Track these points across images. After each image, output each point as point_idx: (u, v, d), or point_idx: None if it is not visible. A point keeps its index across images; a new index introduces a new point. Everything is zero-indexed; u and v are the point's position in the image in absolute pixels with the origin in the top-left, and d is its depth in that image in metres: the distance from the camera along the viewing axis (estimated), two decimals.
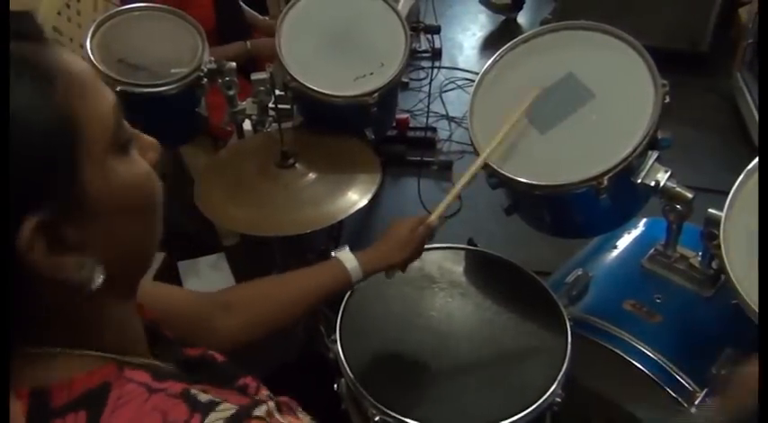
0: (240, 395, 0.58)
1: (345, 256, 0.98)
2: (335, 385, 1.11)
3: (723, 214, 0.98)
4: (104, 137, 0.48)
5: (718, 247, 0.96)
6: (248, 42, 2.00)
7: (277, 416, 0.50)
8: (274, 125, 1.56)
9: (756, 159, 1.00)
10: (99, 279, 0.49)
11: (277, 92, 1.54)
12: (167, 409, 0.48)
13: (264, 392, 0.62)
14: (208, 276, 2.11)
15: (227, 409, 0.49)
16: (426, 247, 1.25)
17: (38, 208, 0.44)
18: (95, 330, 0.53)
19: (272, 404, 0.51)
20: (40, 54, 0.46)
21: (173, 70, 1.49)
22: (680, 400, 1.05)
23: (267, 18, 2.31)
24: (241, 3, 2.20)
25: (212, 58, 1.55)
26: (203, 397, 0.50)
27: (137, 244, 0.54)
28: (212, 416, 0.48)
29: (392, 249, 1.01)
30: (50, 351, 0.50)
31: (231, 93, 1.58)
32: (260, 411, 0.49)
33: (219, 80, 1.56)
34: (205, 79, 1.53)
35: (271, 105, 1.58)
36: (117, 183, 0.49)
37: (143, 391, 0.50)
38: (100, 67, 1.43)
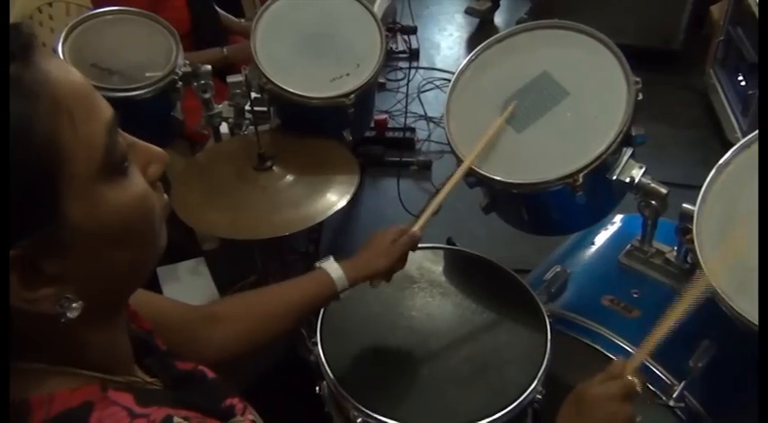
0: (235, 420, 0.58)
1: (330, 267, 0.97)
2: (317, 388, 1.11)
3: (696, 208, 0.99)
4: (92, 163, 0.45)
5: (692, 241, 0.97)
6: (225, 48, 1.99)
7: None
8: (251, 128, 1.56)
9: (728, 154, 1.01)
10: (76, 311, 0.46)
11: (253, 94, 1.53)
12: None
13: (250, 417, 0.61)
14: (187, 281, 2.09)
15: None
16: None
17: (15, 242, 0.41)
18: (78, 350, 0.51)
19: None
20: (26, 72, 0.42)
21: (147, 74, 1.47)
22: (658, 393, 1.06)
23: (243, 21, 2.29)
24: (215, 6, 2.19)
25: (187, 62, 1.54)
26: None
27: (124, 271, 0.51)
28: None
29: (376, 258, 1.00)
30: (31, 366, 0.49)
31: (207, 96, 1.57)
32: None
33: (195, 83, 1.55)
34: (180, 83, 1.52)
35: (247, 108, 1.57)
36: (105, 212, 0.46)
37: (125, 416, 0.48)
38: None
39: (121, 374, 0.53)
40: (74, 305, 0.46)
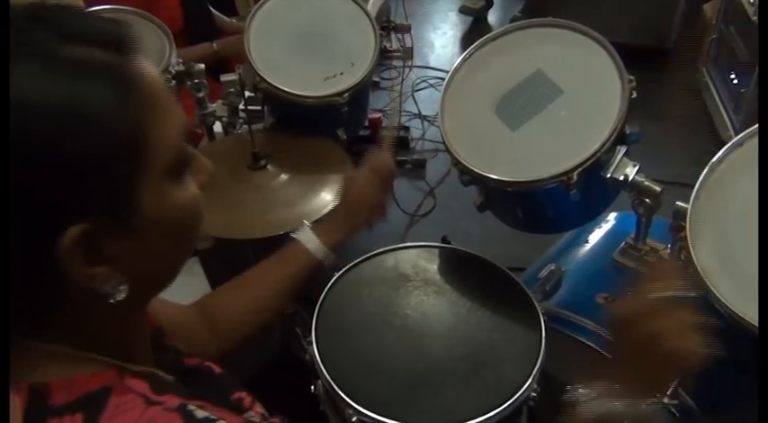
0: (235, 414, 0.58)
1: (305, 237, 0.96)
2: (312, 387, 1.11)
3: (689, 206, 1.00)
4: (168, 158, 0.49)
5: (685, 238, 0.98)
6: (214, 43, 1.98)
7: None
8: (245, 127, 1.55)
9: (720, 152, 1.02)
10: (122, 294, 0.49)
11: (247, 93, 1.53)
12: (164, 421, 0.48)
13: (259, 410, 0.62)
14: (181, 281, 2.07)
15: None
16: (400, 245, 1.26)
17: (87, 218, 0.44)
18: (104, 336, 0.53)
19: None
20: (127, 67, 0.46)
21: None
22: None
23: (234, 20, 2.29)
24: (208, 5, 2.18)
25: (180, 60, 1.54)
26: (200, 413, 0.50)
27: (166, 265, 0.55)
28: None
29: (351, 212, 0.99)
30: (56, 349, 0.50)
31: (200, 95, 1.57)
32: None
33: (188, 82, 1.54)
34: (173, 82, 1.51)
35: (241, 107, 1.57)
36: (168, 207, 0.50)
37: (141, 402, 0.49)
38: None
39: (139, 365, 0.55)
40: (121, 287, 0.49)
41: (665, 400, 1.05)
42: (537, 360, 1.01)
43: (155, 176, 0.48)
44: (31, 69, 0.42)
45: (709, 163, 1.02)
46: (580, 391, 0.70)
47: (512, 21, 3.29)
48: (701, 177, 1.02)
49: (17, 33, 0.43)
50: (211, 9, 2.20)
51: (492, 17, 3.81)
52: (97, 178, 0.44)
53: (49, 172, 0.42)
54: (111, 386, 0.50)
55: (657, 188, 1.12)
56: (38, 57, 0.43)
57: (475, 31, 3.70)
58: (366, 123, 2.55)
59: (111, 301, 0.49)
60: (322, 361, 1.04)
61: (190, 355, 0.66)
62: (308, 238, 0.95)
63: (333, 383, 1.00)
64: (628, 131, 1.11)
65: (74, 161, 0.43)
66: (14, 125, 0.41)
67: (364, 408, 0.96)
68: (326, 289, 1.16)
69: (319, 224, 0.97)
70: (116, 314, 0.52)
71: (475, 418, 0.94)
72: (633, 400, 0.68)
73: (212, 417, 0.50)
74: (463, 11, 3.74)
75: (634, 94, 1.09)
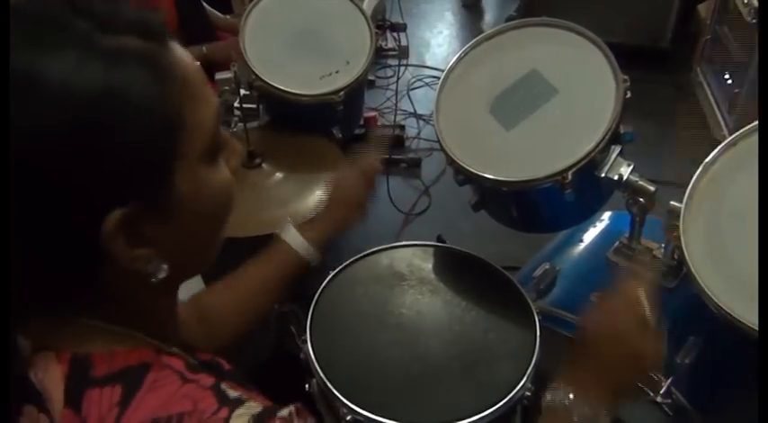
0: (263, 397, 0.59)
1: (291, 238, 0.96)
2: (307, 386, 1.11)
3: (682, 206, 1.00)
4: (203, 143, 0.50)
5: (679, 238, 0.98)
6: (204, 47, 1.98)
7: (296, 421, 0.52)
8: (240, 125, 1.55)
9: (714, 152, 1.02)
10: (163, 273, 0.51)
11: (242, 91, 1.53)
12: (198, 398, 0.50)
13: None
14: None
15: (254, 407, 0.50)
16: (395, 244, 1.26)
17: (128, 202, 0.46)
18: (143, 316, 0.55)
19: (292, 408, 0.53)
20: (164, 54, 0.48)
21: None
22: (645, 389, 1.07)
23: (229, 17, 2.28)
24: (203, 2, 2.18)
25: None
26: (232, 393, 0.51)
27: (203, 248, 0.56)
28: (239, 411, 0.49)
29: (336, 210, 1.00)
30: (97, 324, 0.52)
31: None
32: (284, 413, 0.51)
33: None
34: None
35: (236, 105, 1.57)
36: (204, 190, 0.51)
37: (177, 379, 0.51)
38: None
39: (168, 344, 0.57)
40: (163, 266, 0.51)
41: (659, 399, 1.05)
42: (531, 359, 1.02)
43: (192, 161, 0.49)
44: (72, 59, 0.43)
45: (703, 162, 1.03)
46: (551, 395, 0.73)
47: (507, 20, 3.30)
48: (694, 177, 1.02)
49: (56, 23, 0.44)
50: (206, 6, 2.20)
51: (487, 16, 3.82)
52: (137, 164, 0.46)
53: (91, 159, 0.44)
54: (149, 362, 0.51)
55: (651, 188, 1.13)
56: (78, 46, 0.44)
57: (470, 30, 3.71)
58: (361, 122, 2.56)
59: (153, 280, 0.51)
60: (317, 359, 1.04)
61: (200, 349, 0.66)
62: (293, 236, 0.95)
63: (327, 382, 1.00)
64: (622, 131, 1.11)
65: (115, 148, 0.44)
66: (57, 113, 0.42)
67: (359, 406, 0.96)
68: (321, 287, 1.16)
69: (304, 222, 0.97)
70: (154, 294, 0.54)
71: (469, 416, 0.94)
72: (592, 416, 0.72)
73: (243, 397, 0.51)
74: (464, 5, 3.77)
75: (628, 94, 1.09)
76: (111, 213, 0.46)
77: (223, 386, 0.52)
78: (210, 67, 1.82)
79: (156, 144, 0.47)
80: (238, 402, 0.50)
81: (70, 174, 0.44)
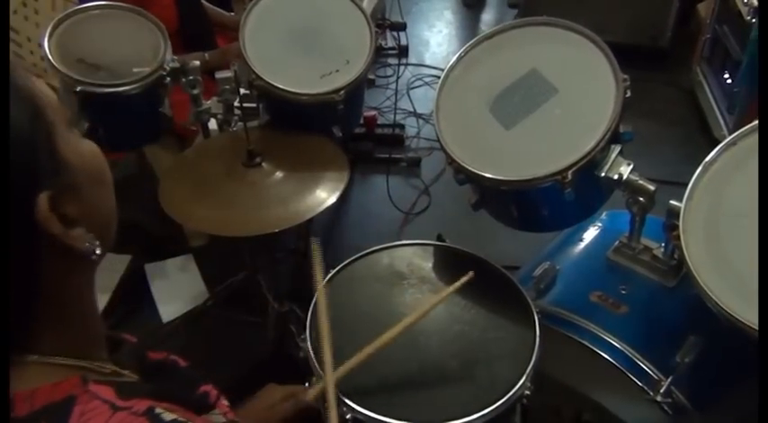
0: (202, 415, 0.59)
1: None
2: (306, 384, 1.11)
3: (682, 205, 1.00)
4: (61, 114, 0.54)
5: (678, 237, 0.98)
6: (206, 54, 1.98)
7: None
8: (240, 124, 1.55)
9: (713, 152, 1.02)
10: (98, 249, 0.54)
11: (242, 90, 1.53)
12: None
13: (224, 403, 0.62)
14: (176, 278, 2.08)
15: None
16: (395, 243, 1.26)
17: (44, 183, 0.50)
18: (74, 320, 0.55)
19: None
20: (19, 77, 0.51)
21: (134, 70, 1.46)
22: (645, 388, 1.07)
23: (232, 14, 2.28)
24: (204, 1, 2.18)
25: (175, 58, 1.53)
26: (168, 417, 0.50)
27: (109, 217, 0.59)
28: None
29: (257, 414, 0.97)
30: (19, 359, 0.51)
31: (195, 92, 1.56)
32: None
33: (183, 79, 1.54)
34: (168, 78, 1.51)
35: (236, 104, 1.57)
36: (82, 153, 0.55)
37: (107, 409, 0.49)
38: (59, 67, 1.40)
39: (99, 360, 0.56)
40: (96, 243, 0.54)
41: (659, 398, 1.05)
42: (531, 358, 1.02)
43: (61, 131, 0.53)
44: None
45: (703, 162, 1.03)
46: None
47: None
48: (694, 176, 1.02)
49: None
50: (209, 5, 2.20)
51: (487, 15, 3.82)
52: (32, 151, 0.50)
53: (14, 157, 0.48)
54: (74, 394, 0.50)
55: (651, 187, 1.13)
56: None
57: (470, 29, 3.71)
58: (361, 121, 2.56)
59: (94, 257, 0.54)
60: (316, 358, 1.04)
61: (153, 348, 0.66)
62: None
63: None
64: (622, 130, 1.11)
65: (20, 146, 0.49)
66: None
67: (358, 405, 0.96)
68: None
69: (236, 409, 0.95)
70: (83, 285, 0.57)
71: (469, 415, 0.94)
72: None
73: (180, 419, 0.50)
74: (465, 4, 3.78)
75: (628, 94, 1.09)
76: (38, 198, 0.49)
77: (158, 410, 0.51)
78: (212, 72, 1.82)
79: (36, 131, 0.51)
80: None
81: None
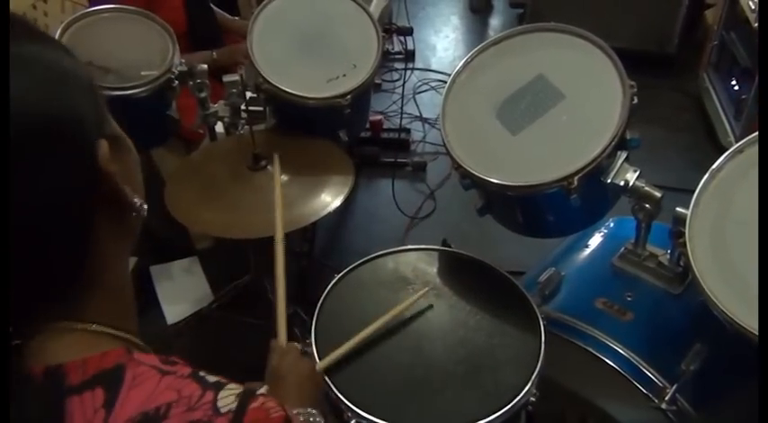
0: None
1: None
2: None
3: (689, 212, 1.00)
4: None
5: (684, 244, 0.98)
6: (214, 52, 1.99)
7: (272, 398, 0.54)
8: (247, 127, 1.56)
9: (720, 159, 1.02)
10: (144, 206, 0.57)
11: (249, 94, 1.53)
12: (181, 387, 0.51)
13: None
14: (181, 280, 2.09)
15: (236, 387, 0.53)
16: (400, 248, 1.26)
17: (103, 129, 0.53)
18: (110, 291, 0.57)
19: (266, 386, 0.55)
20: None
21: (143, 73, 1.47)
22: (650, 395, 1.07)
23: (238, 19, 2.29)
24: (212, 5, 2.18)
25: (183, 61, 1.54)
26: (211, 378, 0.53)
27: (141, 185, 0.60)
28: (223, 392, 0.51)
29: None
30: (66, 326, 0.53)
31: (202, 95, 1.57)
32: (263, 390, 0.54)
33: (190, 82, 1.55)
34: (176, 82, 1.52)
35: (243, 108, 1.57)
36: (113, 123, 0.57)
37: (155, 373, 0.52)
38: None
39: (133, 333, 0.58)
40: (140, 201, 0.57)
41: (664, 406, 1.05)
42: (536, 364, 1.02)
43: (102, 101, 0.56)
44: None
45: (710, 169, 1.02)
46: None
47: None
48: (701, 183, 1.02)
49: None
50: (216, 9, 2.20)
51: (494, 20, 3.82)
52: (94, 102, 0.53)
53: (76, 105, 0.51)
54: (123, 362, 0.52)
55: (658, 194, 1.13)
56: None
57: (477, 34, 3.71)
58: (367, 125, 2.56)
59: (143, 213, 0.57)
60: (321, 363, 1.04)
61: (157, 351, 0.67)
62: None
63: (332, 386, 1.00)
64: (628, 137, 1.11)
65: (83, 92, 0.52)
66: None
67: (363, 410, 0.96)
68: (326, 291, 1.17)
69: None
70: (123, 254, 0.59)
71: (474, 421, 0.94)
72: None
73: (222, 381, 0.53)
74: (472, 10, 3.79)
75: (635, 100, 1.09)
76: (100, 142, 0.52)
77: (201, 373, 0.54)
78: (218, 70, 1.83)
79: (92, 87, 0.54)
80: (220, 385, 0.52)
81: (61, 110, 0.50)
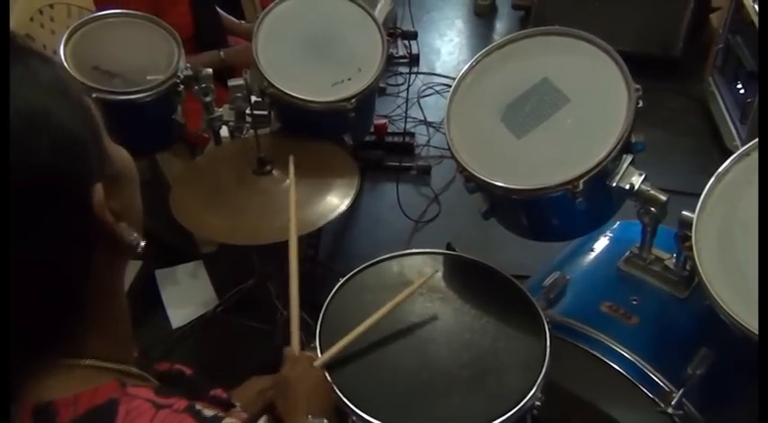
0: (234, 411, 0.60)
1: None
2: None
3: (695, 216, 1.00)
4: (99, 116, 0.55)
5: (691, 248, 0.97)
6: (221, 52, 1.99)
7: None
8: (251, 131, 1.56)
9: (726, 162, 1.02)
10: (141, 242, 0.55)
11: (254, 98, 1.54)
12: (176, 422, 0.50)
13: (237, 403, 0.62)
14: (186, 284, 2.09)
15: (234, 421, 0.51)
16: (405, 252, 1.26)
17: (97, 174, 0.51)
18: (106, 325, 0.55)
19: (265, 417, 0.55)
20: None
21: (148, 77, 1.48)
22: (656, 400, 1.06)
23: (243, 23, 2.30)
24: (218, 8, 2.19)
25: (188, 65, 1.54)
26: (208, 412, 0.52)
27: (141, 214, 0.59)
28: None
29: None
30: (68, 363, 0.52)
31: (208, 99, 1.57)
32: (262, 421, 0.53)
33: (196, 87, 1.55)
34: (181, 86, 1.52)
35: (248, 112, 1.57)
36: (118, 151, 0.56)
37: (150, 407, 0.51)
38: (74, 74, 1.41)
39: (129, 363, 0.56)
40: (137, 236, 0.55)
41: (670, 411, 1.05)
42: (541, 368, 1.01)
43: (102, 131, 0.54)
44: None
45: (716, 173, 1.02)
46: None
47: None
48: (707, 187, 1.02)
49: None
50: (222, 13, 2.21)
51: (499, 24, 3.82)
52: (92, 144, 0.51)
53: (73, 152, 0.49)
54: (116, 396, 0.51)
55: (663, 197, 1.12)
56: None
57: (481, 38, 3.71)
58: (372, 129, 2.57)
59: (138, 251, 0.55)
60: (326, 366, 1.04)
61: (158, 360, 0.66)
62: None
63: (336, 389, 1.00)
64: (634, 140, 1.11)
65: (77, 137, 0.50)
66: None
67: (368, 414, 0.96)
68: (331, 295, 1.17)
69: None
70: (119, 286, 0.57)
71: None
72: None
73: (219, 414, 0.52)
74: (477, 13, 3.79)
75: (640, 103, 1.09)
76: (95, 190, 0.50)
77: (198, 407, 0.52)
78: (224, 73, 1.84)
79: (92, 123, 0.53)
80: (217, 420, 0.51)
81: (63, 169, 0.48)
